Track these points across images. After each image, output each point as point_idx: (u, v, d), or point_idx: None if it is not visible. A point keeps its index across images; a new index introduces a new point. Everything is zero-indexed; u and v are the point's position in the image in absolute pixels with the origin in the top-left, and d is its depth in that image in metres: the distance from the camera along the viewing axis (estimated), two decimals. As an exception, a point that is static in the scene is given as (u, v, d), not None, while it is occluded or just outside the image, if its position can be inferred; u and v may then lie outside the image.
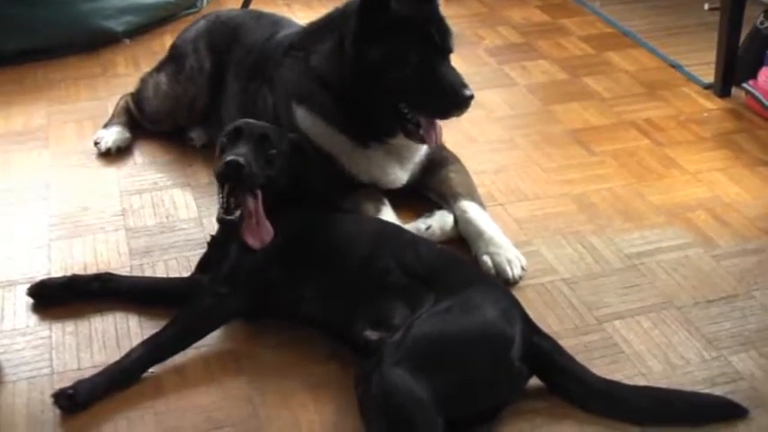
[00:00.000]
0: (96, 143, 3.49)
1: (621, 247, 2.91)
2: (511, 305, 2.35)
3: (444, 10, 2.90)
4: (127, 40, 4.41)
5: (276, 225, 2.52)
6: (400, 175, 3.02)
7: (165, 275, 2.82)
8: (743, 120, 3.67)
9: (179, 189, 3.26)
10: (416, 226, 2.89)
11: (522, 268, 2.77)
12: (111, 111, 3.65)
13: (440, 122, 2.91)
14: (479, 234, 2.85)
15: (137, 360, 2.39)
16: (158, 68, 3.58)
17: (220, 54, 3.37)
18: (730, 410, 2.26)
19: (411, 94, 2.80)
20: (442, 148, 3.16)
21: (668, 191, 3.21)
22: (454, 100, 2.78)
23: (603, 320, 2.60)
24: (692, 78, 3.99)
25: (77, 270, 2.81)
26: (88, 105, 3.84)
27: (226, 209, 2.49)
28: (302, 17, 3.50)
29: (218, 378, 2.43)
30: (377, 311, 2.38)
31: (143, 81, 3.61)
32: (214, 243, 2.68)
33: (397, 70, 2.77)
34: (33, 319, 2.65)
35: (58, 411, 2.31)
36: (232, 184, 2.48)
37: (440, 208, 3.00)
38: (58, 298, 2.68)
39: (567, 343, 2.42)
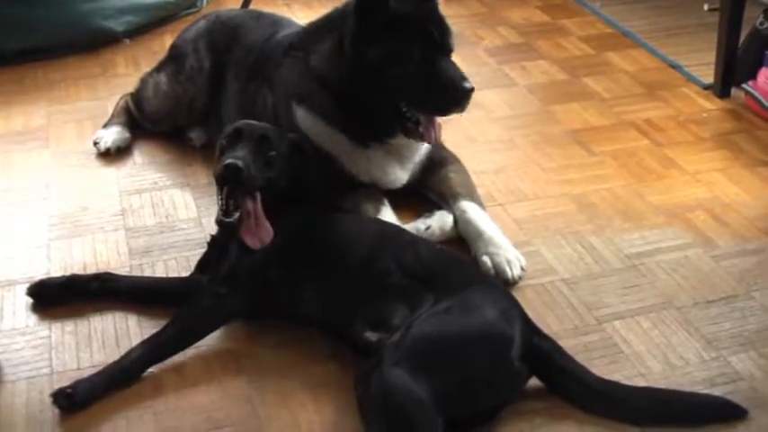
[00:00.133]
0: (96, 143, 3.49)
1: (621, 247, 2.91)
2: (510, 305, 2.35)
3: (444, 10, 2.90)
4: (127, 40, 4.41)
5: (276, 225, 2.52)
6: (400, 175, 3.02)
7: (164, 275, 2.82)
8: (742, 120, 3.67)
9: (178, 189, 3.26)
10: (416, 226, 2.89)
11: (522, 268, 2.77)
12: (110, 111, 3.65)
13: (439, 120, 2.91)
14: (479, 234, 2.85)
15: (136, 360, 2.39)
16: (158, 68, 3.58)
17: (220, 54, 3.37)
18: (730, 411, 2.26)
19: (411, 93, 2.80)
20: (441, 147, 3.16)
21: (668, 191, 3.21)
22: (454, 95, 2.78)
23: (603, 321, 2.60)
24: (691, 79, 3.99)
25: (77, 270, 2.81)
26: (88, 105, 3.84)
27: (225, 211, 2.49)
28: (302, 17, 3.50)
29: (217, 378, 2.43)
30: (377, 312, 2.38)
31: (143, 81, 3.61)
32: (214, 243, 2.68)
33: (396, 69, 2.77)
34: (33, 318, 2.65)
35: (56, 411, 2.30)
36: (231, 186, 2.48)
37: (439, 208, 3.00)
38: (58, 298, 2.68)
39: (567, 343, 2.42)
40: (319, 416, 2.30)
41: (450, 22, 2.90)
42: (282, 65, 3.06)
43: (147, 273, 2.83)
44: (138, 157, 3.48)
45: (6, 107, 3.84)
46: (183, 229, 3.04)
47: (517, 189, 3.23)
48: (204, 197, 3.18)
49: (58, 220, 3.10)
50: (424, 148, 3.07)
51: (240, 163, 2.45)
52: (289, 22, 3.42)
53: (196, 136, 3.48)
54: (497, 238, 2.83)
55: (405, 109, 2.84)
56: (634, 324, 2.58)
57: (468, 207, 2.94)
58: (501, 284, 2.59)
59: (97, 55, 4.29)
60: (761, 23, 3.73)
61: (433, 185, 3.07)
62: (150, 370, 2.41)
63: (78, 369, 2.46)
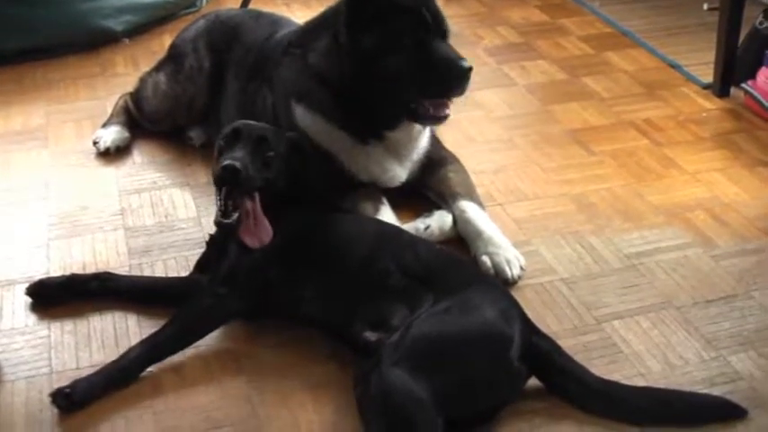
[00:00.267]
0: (95, 143, 3.48)
1: (620, 247, 2.91)
2: (510, 305, 2.35)
3: (444, 10, 2.90)
4: (126, 40, 4.41)
5: (275, 225, 2.52)
6: (399, 173, 3.02)
7: (163, 275, 2.81)
8: (742, 120, 3.67)
9: (178, 188, 3.26)
10: (415, 226, 2.89)
11: (521, 268, 2.77)
12: (110, 110, 3.65)
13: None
14: (478, 234, 2.85)
15: (135, 359, 2.39)
16: (157, 68, 3.58)
17: (220, 53, 3.37)
18: (729, 411, 2.26)
19: (410, 77, 2.79)
20: (440, 147, 3.17)
21: (667, 191, 3.21)
22: (453, 74, 2.78)
23: (602, 320, 2.60)
24: (691, 78, 3.99)
25: (76, 269, 2.81)
26: (87, 105, 3.84)
27: (223, 212, 2.49)
28: (301, 16, 3.49)
29: (217, 378, 2.43)
30: (376, 312, 2.38)
31: (142, 80, 3.60)
32: (212, 243, 2.68)
33: (392, 55, 2.77)
34: (32, 318, 2.65)
35: (55, 410, 2.30)
36: (229, 187, 2.48)
37: (439, 208, 3.00)
38: (57, 297, 2.68)
39: (566, 343, 2.42)
40: (319, 416, 2.30)
41: (449, 22, 2.89)
42: (282, 64, 3.06)
43: (147, 272, 2.83)
44: (138, 156, 3.48)
45: (5, 107, 3.84)
46: (183, 228, 3.04)
47: (516, 189, 3.23)
48: (203, 197, 3.18)
49: (57, 220, 3.10)
50: (423, 146, 3.07)
51: (238, 164, 2.45)
52: (288, 22, 3.42)
53: (195, 135, 3.48)
54: (497, 238, 2.83)
55: (409, 98, 2.83)
56: (633, 324, 2.58)
57: (468, 207, 2.94)
58: (500, 284, 2.59)
59: (96, 54, 4.28)
60: (760, 23, 3.73)
61: (433, 185, 3.07)
62: (149, 370, 2.41)
63: (77, 369, 2.46)
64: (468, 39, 4.40)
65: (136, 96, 3.59)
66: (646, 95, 3.88)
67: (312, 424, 2.28)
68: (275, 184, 2.57)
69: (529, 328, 2.34)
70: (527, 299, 2.64)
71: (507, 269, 2.74)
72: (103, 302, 2.67)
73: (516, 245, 2.85)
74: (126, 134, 3.52)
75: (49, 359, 2.50)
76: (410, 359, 2.14)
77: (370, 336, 2.33)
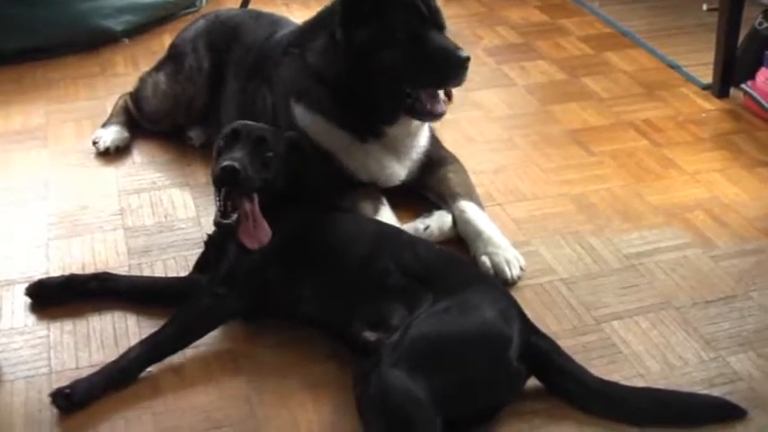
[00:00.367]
0: (95, 142, 3.48)
1: (620, 247, 2.91)
2: (509, 305, 2.35)
3: (443, 10, 2.90)
4: (126, 40, 4.41)
5: (275, 225, 2.52)
6: (398, 171, 3.02)
7: (163, 275, 2.81)
8: (741, 120, 3.67)
9: (177, 188, 3.26)
10: (415, 226, 2.89)
11: (521, 268, 2.77)
12: (109, 110, 3.65)
13: (443, 98, 2.90)
14: (478, 234, 2.85)
15: (134, 359, 2.39)
16: (157, 68, 3.58)
17: (219, 53, 3.37)
18: (728, 411, 2.26)
19: (407, 70, 2.79)
20: (440, 147, 3.17)
21: (667, 191, 3.21)
22: (451, 64, 2.78)
23: (602, 321, 2.60)
24: (690, 79, 3.99)
25: (76, 269, 2.81)
26: (87, 105, 3.84)
27: (222, 212, 2.49)
28: (300, 16, 3.49)
29: (216, 378, 2.43)
30: (375, 312, 2.38)
31: (142, 80, 3.60)
32: (212, 243, 2.68)
33: (388, 48, 2.78)
34: (31, 318, 2.65)
35: (55, 411, 2.30)
36: (228, 188, 2.48)
37: (438, 208, 3.00)
38: (57, 297, 2.68)
39: (566, 343, 2.42)
40: (318, 415, 2.30)
41: (449, 22, 2.90)
42: (281, 64, 3.06)
43: (146, 272, 2.83)
44: (137, 156, 3.48)
45: (5, 106, 3.84)
46: (182, 228, 3.04)
47: (516, 189, 3.23)
48: (203, 197, 3.18)
49: (56, 220, 3.10)
50: (423, 145, 3.07)
51: (237, 165, 2.45)
52: (288, 22, 3.42)
53: (195, 135, 3.48)
54: (496, 238, 2.83)
55: (407, 90, 2.84)
56: (633, 324, 2.58)
57: (467, 207, 2.94)
58: (500, 284, 2.59)
59: (96, 54, 4.28)
60: (760, 24, 3.73)
61: (432, 185, 3.07)
62: (149, 370, 2.41)
63: (77, 369, 2.46)
64: (467, 39, 4.39)
65: (135, 96, 3.59)
66: (645, 96, 3.88)
67: (311, 424, 2.28)
68: (274, 184, 2.57)
69: (528, 328, 2.34)
70: (526, 299, 2.64)
71: (507, 269, 2.74)
72: (103, 302, 2.67)
73: (516, 245, 2.85)
74: (126, 134, 3.52)
75: (49, 359, 2.50)
76: (409, 359, 2.14)
77: (370, 335, 2.33)
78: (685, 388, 2.35)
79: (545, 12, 4.74)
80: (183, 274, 2.78)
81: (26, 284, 2.71)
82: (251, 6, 4.11)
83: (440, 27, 2.85)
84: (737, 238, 2.95)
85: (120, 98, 3.66)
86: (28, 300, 2.69)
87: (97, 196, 3.22)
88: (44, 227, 3.06)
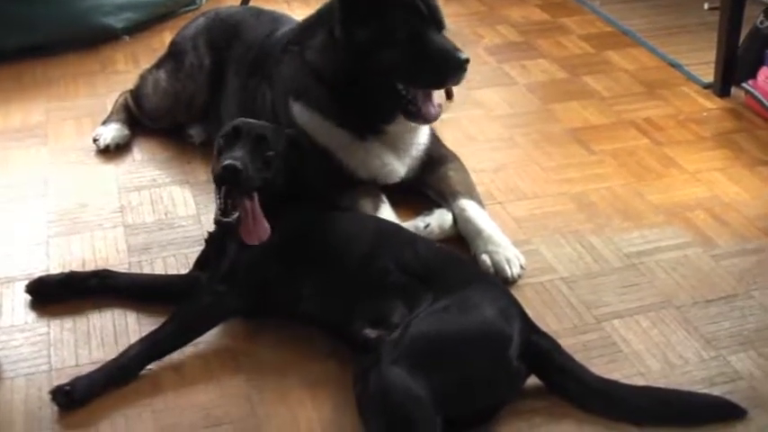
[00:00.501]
0: (95, 140, 3.48)
1: (620, 246, 2.91)
2: (509, 304, 2.35)
3: (444, 8, 2.90)
4: (126, 37, 4.40)
5: (275, 223, 2.51)
6: (397, 168, 3.02)
7: (163, 272, 2.81)
8: (742, 119, 3.66)
9: (178, 186, 3.26)
10: (415, 224, 2.89)
11: (521, 267, 2.77)
12: (109, 108, 3.65)
13: (439, 101, 2.89)
14: (478, 233, 2.85)
15: (134, 357, 2.39)
16: (158, 65, 3.58)
17: (220, 51, 3.36)
18: (729, 411, 2.26)
19: (406, 69, 2.79)
20: (440, 145, 3.17)
21: (667, 190, 3.20)
22: (449, 65, 2.78)
23: (602, 319, 2.60)
24: (691, 78, 3.98)
25: (76, 267, 2.81)
26: (87, 102, 3.84)
27: (223, 211, 2.49)
28: (300, 14, 3.49)
29: (216, 376, 2.43)
30: (375, 310, 2.38)
31: (142, 78, 3.60)
32: (212, 240, 2.67)
33: (387, 47, 2.77)
34: (31, 315, 2.65)
35: (55, 408, 2.30)
36: (229, 187, 2.47)
37: (439, 206, 2.99)
38: (57, 295, 2.68)
39: (566, 342, 2.41)
40: (318, 413, 2.30)
41: (449, 20, 2.90)
42: (281, 62, 3.06)
43: (146, 270, 2.83)
44: (138, 154, 3.47)
45: (5, 104, 3.84)
46: (183, 226, 3.04)
47: (516, 188, 3.22)
48: (203, 194, 3.18)
49: (56, 217, 3.09)
50: (423, 143, 3.07)
51: (238, 164, 2.45)
52: (288, 19, 3.42)
53: (195, 133, 3.48)
54: (497, 237, 2.83)
55: (403, 91, 2.84)
56: (633, 323, 2.58)
57: (468, 205, 2.94)
58: (500, 283, 2.59)
59: (96, 52, 4.28)
60: (761, 22, 3.72)
61: (433, 183, 3.07)
62: (149, 368, 2.41)
63: (77, 366, 2.46)
64: (468, 38, 4.39)
65: (136, 94, 3.59)
66: (646, 95, 3.87)
67: (311, 422, 2.28)
68: (274, 183, 2.56)
69: (528, 326, 2.34)
70: (527, 298, 2.64)
71: (507, 268, 2.74)
72: (103, 300, 2.67)
73: (516, 244, 2.85)
74: (126, 131, 3.52)
75: (49, 356, 2.50)
76: (409, 357, 2.14)
77: (370, 333, 2.32)
78: (686, 387, 2.35)
79: (546, 10, 4.74)
80: (184, 271, 2.78)
81: (26, 282, 2.71)
82: (251, 4, 4.10)
83: (439, 27, 2.85)
84: (738, 238, 2.95)
85: (120, 96, 3.66)
86: (28, 297, 2.69)
87: (97, 194, 3.22)
88: (44, 224, 3.06)
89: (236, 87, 3.26)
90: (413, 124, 2.98)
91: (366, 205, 2.89)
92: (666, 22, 4.57)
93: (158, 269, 2.83)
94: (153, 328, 2.46)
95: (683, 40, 4.36)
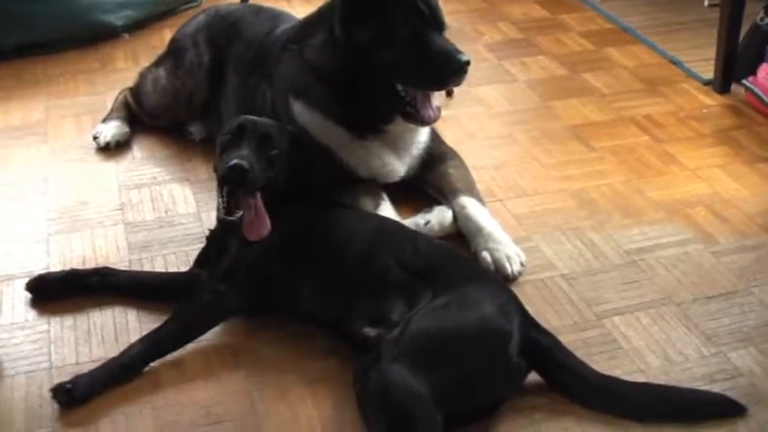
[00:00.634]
0: (95, 138, 3.48)
1: (621, 243, 2.91)
2: (509, 300, 2.35)
3: (444, 5, 2.90)
4: (126, 35, 4.40)
5: (275, 222, 2.51)
6: (397, 167, 3.02)
7: (163, 270, 2.81)
8: (742, 116, 3.66)
9: (178, 184, 3.26)
10: (415, 221, 2.89)
11: (522, 264, 2.77)
12: (109, 105, 3.65)
13: (437, 103, 2.89)
14: (478, 230, 2.85)
15: (135, 355, 2.39)
16: (157, 63, 3.58)
17: (220, 48, 3.36)
18: (729, 408, 2.26)
19: (406, 70, 2.79)
20: (440, 143, 3.16)
21: (668, 187, 3.20)
22: (450, 66, 2.78)
23: (603, 316, 2.60)
24: (691, 75, 3.98)
25: (76, 264, 2.81)
26: (87, 100, 3.84)
27: (227, 209, 2.48)
28: (301, 12, 3.49)
29: (216, 373, 2.43)
30: (375, 308, 2.38)
31: (142, 76, 3.60)
32: (213, 238, 2.67)
33: (388, 48, 2.77)
34: (32, 313, 2.65)
35: (56, 406, 2.30)
36: (234, 186, 2.47)
37: (439, 203, 2.99)
38: (57, 292, 2.68)
39: (566, 339, 2.41)
40: (318, 411, 2.30)
41: (449, 17, 2.89)
42: (281, 60, 3.06)
43: (147, 267, 2.83)
44: (138, 151, 3.47)
45: (5, 102, 3.84)
46: (183, 223, 3.04)
47: (517, 185, 3.22)
48: (204, 192, 3.18)
49: (56, 215, 3.09)
50: (423, 141, 3.06)
51: (245, 164, 2.43)
52: (288, 17, 3.42)
53: (196, 131, 3.48)
54: (497, 234, 2.83)
55: (402, 92, 2.83)
56: (633, 320, 2.58)
57: (468, 203, 2.94)
58: (500, 280, 2.59)
59: (96, 50, 4.28)
60: (761, 19, 3.72)
61: (433, 181, 3.07)
62: (149, 365, 2.41)
63: (77, 364, 2.46)
64: (468, 34, 4.39)
65: (136, 91, 3.59)
66: (646, 91, 3.87)
67: (311, 419, 2.28)
68: (276, 181, 2.56)
69: (528, 323, 2.34)
70: (527, 295, 2.64)
71: (507, 265, 2.74)
72: (103, 298, 2.67)
73: (516, 241, 2.85)
74: (126, 129, 3.52)
75: (49, 354, 2.50)
76: (409, 355, 2.14)
77: (370, 331, 2.33)
78: (686, 383, 2.35)
79: (546, 7, 4.74)
80: (184, 269, 2.78)
81: (27, 279, 2.71)
82: (251, 1, 4.10)
83: (440, 28, 2.85)
84: (738, 234, 2.95)
85: (120, 93, 3.65)
86: (28, 295, 2.69)
87: (97, 191, 3.21)
88: (44, 222, 3.06)
89: (236, 85, 3.26)
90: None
91: (366, 203, 2.89)
92: (666, 19, 4.56)
93: (159, 267, 2.83)
94: (153, 325, 2.46)
95: (683, 36, 4.36)
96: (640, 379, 2.36)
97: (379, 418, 2.08)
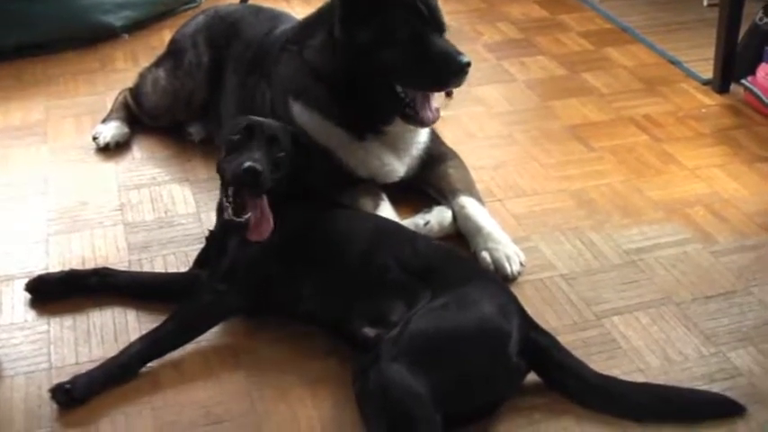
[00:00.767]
0: (95, 138, 3.48)
1: (620, 242, 2.91)
2: (508, 301, 2.35)
3: (443, 6, 2.90)
4: (125, 35, 4.40)
5: (276, 222, 2.51)
6: (397, 167, 3.02)
7: (163, 270, 2.81)
8: (741, 116, 3.66)
9: (177, 184, 3.26)
10: (415, 222, 2.89)
11: (521, 264, 2.77)
12: (109, 106, 3.65)
13: (436, 105, 2.89)
14: (478, 230, 2.85)
15: (135, 355, 2.39)
16: (157, 63, 3.58)
17: (219, 49, 3.36)
18: (728, 407, 2.26)
19: (406, 71, 2.79)
20: (440, 143, 3.16)
21: (667, 187, 3.21)
22: (451, 67, 2.78)
23: (602, 316, 2.60)
24: (690, 74, 3.98)
25: (76, 265, 2.81)
26: (87, 100, 3.84)
27: (235, 210, 2.48)
28: (300, 12, 3.49)
29: (216, 373, 2.43)
30: (375, 308, 2.38)
31: (142, 76, 3.60)
32: (212, 239, 2.67)
33: (388, 48, 2.77)
34: (31, 313, 2.65)
35: (55, 406, 2.31)
36: (243, 187, 2.46)
37: (438, 204, 2.99)
38: (57, 293, 2.68)
39: (566, 339, 2.42)
40: (318, 411, 2.30)
41: (449, 17, 2.89)
42: (280, 60, 3.06)
43: (146, 268, 2.83)
44: (137, 152, 3.47)
45: (5, 102, 3.84)
46: (182, 224, 3.04)
47: (516, 185, 3.22)
48: (203, 192, 3.18)
49: (56, 215, 3.09)
50: (422, 142, 3.06)
51: (259, 166, 2.43)
52: (288, 17, 3.42)
53: (195, 131, 3.48)
54: (496, 234, 2.83)
55: (402, 93, 2.83)
56: (633, 320, 2.59)
57: (467, 202, 2.94)
58: (499, 280, 2.59)
59: (96, 50, 4.28)
60: (760, 19, 3.73)
61: (432, 181, 3.07)
62: (148, 365, 2.41)
63: (77, 364, 2.46)
64: (467, 35, 4.39)
65: (135, 92, 3.59)
66: (645, 91, 3.87)
67: (311, 419, 2.28)
68: (281, 183, 2.55)
69: (527, 323, 2.34)
70: (526, 295, 2.64)
71: (507, 265, 2.74)
72: (103, 298, 2.67)
73: (516, 241, 2.85)
74: (125, 130, 3.52)
75: (49, 354, 2.50)
76: (408, 355, 2.14)
77: (369, 331, 2.33)
78: (685, 383, 2.35)
79: (545, 7, 4.74)
80: (184, 269, 2.78)
81: (26, 280, 2.71)
82: (251, 1, 4.10)
83: (440, 28, 2.84)
84: (737, 234, 2.95)
85: (119, 94, 3.66)
86: (28, 295, 2.69)
87: (97, 192, 3.22)
88: (44, 222, 3.06)
89: (235, 85, 3.25)
90: (412, 125, 2.99)
91: (366, 203, 2.89)
92: (665, 19, 4.57)
93: (158, 267, 2.83)
94: (153, 326, 2.46)
95: (682, 36, 4.36)
96: (639, 379, 2.36)
97: (379, 417, 2.08)
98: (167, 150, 3.47)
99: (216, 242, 2.63)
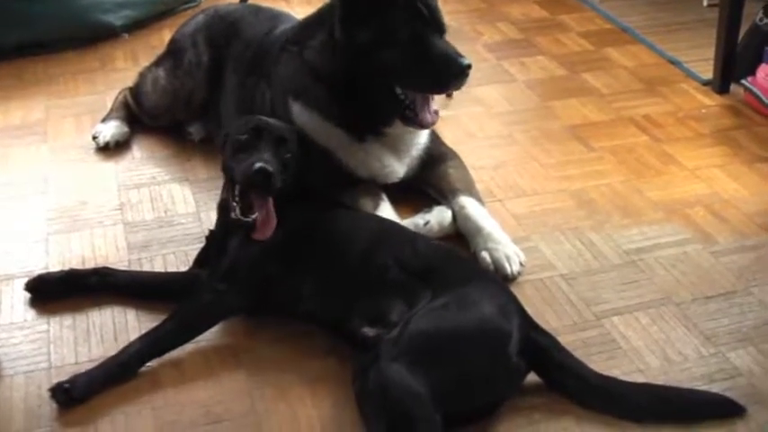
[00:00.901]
0: (95, 137, 3.48)
1: (620, 243, 2.91)
2: (508, 301, 2.35)
3: (443, 6, 2.90)
4: (125, 35, 4.40)
5: (277, 222, 2.51)
6: (397, 168, 3.02)
7: (163, 270, 2.81)
8: (741, 116, 3.66)
9: (177, 184, 3.26)
10: (415, 222, 2.89)
11: (521, 264, 2.77)
12: (109, 105, 3.65)
13: (436, 107, 2.89)
14: (478, 230, 2.85)
15: (134, 354, 2.39)
16: (157, 63, 3.58)
17: (219, 48, 3.36)
18: (728, 408, 2.26)
19: (406, 72, 2.79)
20: (440, 143, 3.16)
21: (667, 187, 3.21)
22: (451, 70, 2.77)
23: (602, 316, 2.60)
24: (690, 75, 3.98)
25: (75, 264, 2.81)
26: (87, 100, 3.84)
27: (242, 210, 2.47)
28: (300, 12, 3.49)
29: (216, 372, 2.43)
30: (375, 308, 2.38)
31: (141, 76, 3.60)
32: (212, 238, 2.68)
33: (388, 49, 2.77)
34: (31, 313, 2.65)
35: (54, 405, 2.31)
36: (257, 189, 2.46)
37: (438, 204, 2.99)
38: (56, 292, 2.68)
39: (566, 339, 2.42)
40: (318, 410, 2.30)
41: (449, 17, 2.89)
42: (279, 60, 3.05)
43: (146, 267, 2.83)
44: (137, 151, 3.47)
45: (5, 102, 3.84)
46: (182, 223, 3.04)
47: (516, 185, 3.22)
48: (203, 192, 3.18)
49: (56, 215, 3.09)
50: (422, 141, 3.06)
51: (270, 168, 2.43)
52: (288, 17, 3.42)
53: (195, 131, 3.48)
54: (496, 234, 2.83)
55: (401, 95, 2.83)
56: (633, 320, 2.59)
57: (467, 202, 2.94)
58: (499, 280, 2.59)
59: (96, 49, 4.28)
60: (760, 19, 3.73)
61: (432, 181, 3.07)
62: (148, 365, 2.41)
63: (76, 363, 2.46)
64: (467, 35, 4.39)
65: (135, 91, 3.59)
66: (645, 92, 3.87)
67: (311, 418, 2.28)
68: (287, 183, 2.55)
69: (527, 323, 2.34)
70: (526, 295, 2.64)
71: (507, 265, 2.74)
72: (103, 297, 2.67)
73: (516, 241, 2.85)
74: (125, 129, 3.52)
75: (48, 354, 2.50)
76: (408, 354, 2.14)
77: (369, 331, 2.33)
78: (685, 384, 2.36)
79: (545, 7, 4.74)
80: (183, 269, 2.78)
81: (26, 279, 2.71)
82: (251, 1, 4.10)
83: (440, 29, 2.84)
84: (737, 234, 2.95)
85: (119, 93, 3.66)
86: (28, 295, 2.69)
87: (97, 191, 3.22)
88: (44, 222, 3.06)
89: (235, 85, 3.25)
90: (411, 126, 2.98)
91: (366, 203, 2.89)
92: (665, 19, 4.57)
93: (158, 266, 2.83)
94: (153, 325, 2.46)
95: (682, 36, 4.36)
96: (639, 379, 2.36)
97: (379, 417, 2.08)
98: (167, 150, 3.47)
99: (216, 242, 2.63)
